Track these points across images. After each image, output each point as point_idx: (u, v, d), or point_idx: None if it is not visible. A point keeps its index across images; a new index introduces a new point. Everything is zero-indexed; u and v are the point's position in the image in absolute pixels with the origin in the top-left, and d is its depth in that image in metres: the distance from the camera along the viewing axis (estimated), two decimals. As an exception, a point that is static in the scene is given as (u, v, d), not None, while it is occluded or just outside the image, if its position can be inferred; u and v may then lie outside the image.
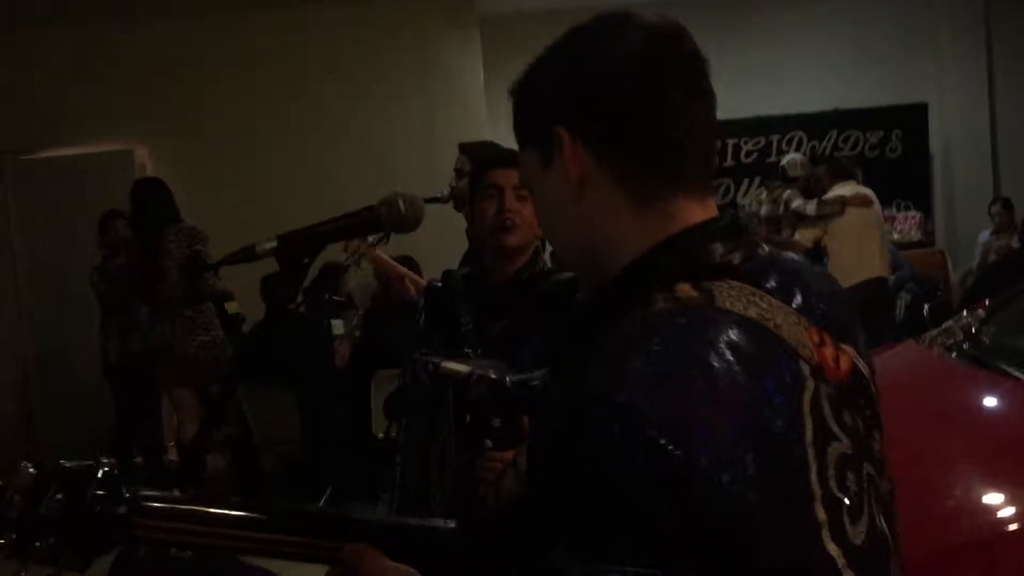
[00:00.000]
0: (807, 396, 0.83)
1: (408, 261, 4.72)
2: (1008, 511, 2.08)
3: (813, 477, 0.79)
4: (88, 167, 6.57)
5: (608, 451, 0.74)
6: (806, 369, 0.84)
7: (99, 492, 0.93)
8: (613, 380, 0.77)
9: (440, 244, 4.12)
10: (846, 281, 6.23)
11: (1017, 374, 2.67)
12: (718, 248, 0.90)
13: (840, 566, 0.78)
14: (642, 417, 0.74)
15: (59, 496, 0.92)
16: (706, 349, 0.79)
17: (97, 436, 6.03)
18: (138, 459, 5.74)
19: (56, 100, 6.57)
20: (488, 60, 6.78)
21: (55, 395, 6.74)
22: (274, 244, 1.21)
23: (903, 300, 6.86)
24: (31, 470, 0.93)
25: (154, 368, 5.54)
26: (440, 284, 2.30)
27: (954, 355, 3.09)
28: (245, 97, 6.61)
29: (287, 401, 5.16)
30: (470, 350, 2.06)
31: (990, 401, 2.83)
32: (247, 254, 1.22)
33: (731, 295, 0.85)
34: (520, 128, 1.00)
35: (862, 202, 6.10)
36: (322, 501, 5.19)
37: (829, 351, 0.89)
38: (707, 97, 0.95)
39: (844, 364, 0.90)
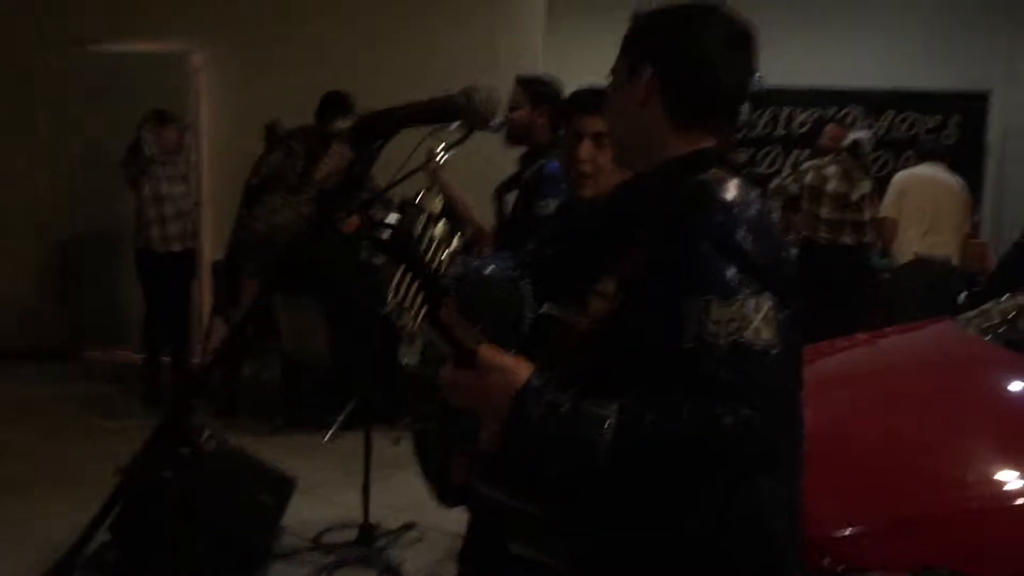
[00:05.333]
0: None
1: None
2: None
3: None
4: (143, 64, 6.59)
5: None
6: None
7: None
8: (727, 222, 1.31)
9: (486, 176, 4.07)
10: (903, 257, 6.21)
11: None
12: (730, 156, 1.44)
13: None
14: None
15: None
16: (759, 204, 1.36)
17: (130, 325, 6.14)
18: (166, 358, 5.82)
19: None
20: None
21: (92, 281, 6.84)
22: (349, 124, 1.23)
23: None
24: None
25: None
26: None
27: (989, 337, 3.10)
28: (303, 16, 6.59)
29: (317, 313, 5.22)
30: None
31: (1019, 383, 2.85)
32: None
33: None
34: (628, 43, 1.47)
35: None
36: (343, 416, 5.27)
37: None
38: (749, 74, 1.44)
39: None
